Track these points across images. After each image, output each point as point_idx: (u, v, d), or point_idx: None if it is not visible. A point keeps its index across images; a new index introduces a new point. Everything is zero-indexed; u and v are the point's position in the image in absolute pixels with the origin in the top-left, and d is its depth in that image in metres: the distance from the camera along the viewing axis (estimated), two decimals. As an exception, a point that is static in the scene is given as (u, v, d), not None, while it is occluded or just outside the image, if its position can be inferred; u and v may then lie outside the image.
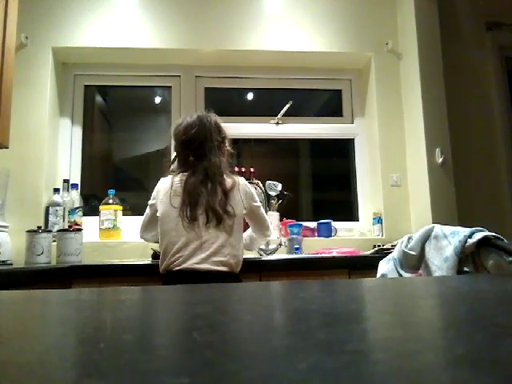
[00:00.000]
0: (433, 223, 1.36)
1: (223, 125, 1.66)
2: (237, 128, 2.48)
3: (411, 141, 2.43)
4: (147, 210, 1.63)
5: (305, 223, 2.33)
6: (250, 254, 1.98)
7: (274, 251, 2.05)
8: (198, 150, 1.56)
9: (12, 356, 0.24)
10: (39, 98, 2.24)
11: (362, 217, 2.56)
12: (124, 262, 1.81)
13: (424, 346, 0.24)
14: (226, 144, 1.65)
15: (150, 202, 1.62)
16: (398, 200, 2.41)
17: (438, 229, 1.27)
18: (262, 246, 2.04)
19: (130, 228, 2.15)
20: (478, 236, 1.16)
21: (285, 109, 2.52)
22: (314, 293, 0.54)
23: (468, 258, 1.18)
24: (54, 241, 1.86)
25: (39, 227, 1.87)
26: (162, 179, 1.61)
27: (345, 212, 2.64)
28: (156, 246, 1.70)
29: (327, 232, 2.34)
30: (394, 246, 1.45)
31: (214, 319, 0.34)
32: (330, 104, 2.85)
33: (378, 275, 1.38)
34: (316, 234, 2.37)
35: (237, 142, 2.56)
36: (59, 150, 2.40)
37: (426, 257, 1.27)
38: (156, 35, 2.40)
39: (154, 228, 1.61)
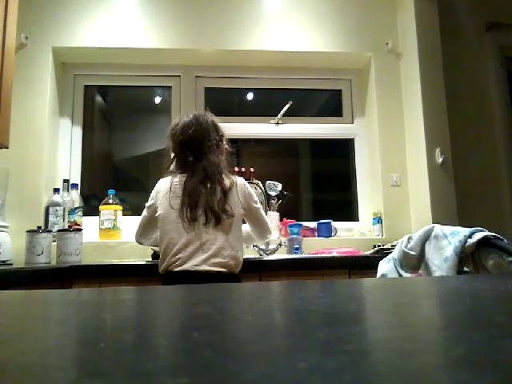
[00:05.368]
0: (433, 223, 1.36)
1: (220, 124, 1.65)
2: (237, 128, 2.48)
3: (411, 141, 2.43)
4: (144, 213, 1.61)
5: (305, 223, 2.33)
6: (250, 254, 1.99)
7: (273, 251, 2.05)
8: (197, 149, 1.55)
9: (12, 356, 0.24)
10: (39, 98, 2.24)
11: (361, 217, 2.57)
12: (124, 262, 1.81)
13: (424, 346, 0.24)
14: (224, 142, 1.65)
15: (147, 204, 1.60)
16: (398, 200, 2.41)
17: (438, 229, 1.27)
18: (262, 246, 2.04)
19: (130, 228, 2.15)
20: (478, 236, 1.16)
21: (285, 109, 2.52)
22: (314, 293, 0.54)
23: (468, 257, 1.18)
24: (53, 241, 1.86)
25: (39, 227, 1.87)
26: (161, 180, 1.60)
27: (345, 212, 2.64)
28: (156, 247, 1.70)
29: (327, 232, 2.34)
30: (394, 246, 1.45)
31: (213, 319, 0.34)
32: (330, 104, 2.85)
33: (378, 275, 1.38)
34: (316, 234, 2.37)
35: (237, 142, 2.56)
36: (59, 150, 2.40)
37: (426, 257, 1.27)
38: (156, 35, 2.40)
39: (152, 231, 1.60)
